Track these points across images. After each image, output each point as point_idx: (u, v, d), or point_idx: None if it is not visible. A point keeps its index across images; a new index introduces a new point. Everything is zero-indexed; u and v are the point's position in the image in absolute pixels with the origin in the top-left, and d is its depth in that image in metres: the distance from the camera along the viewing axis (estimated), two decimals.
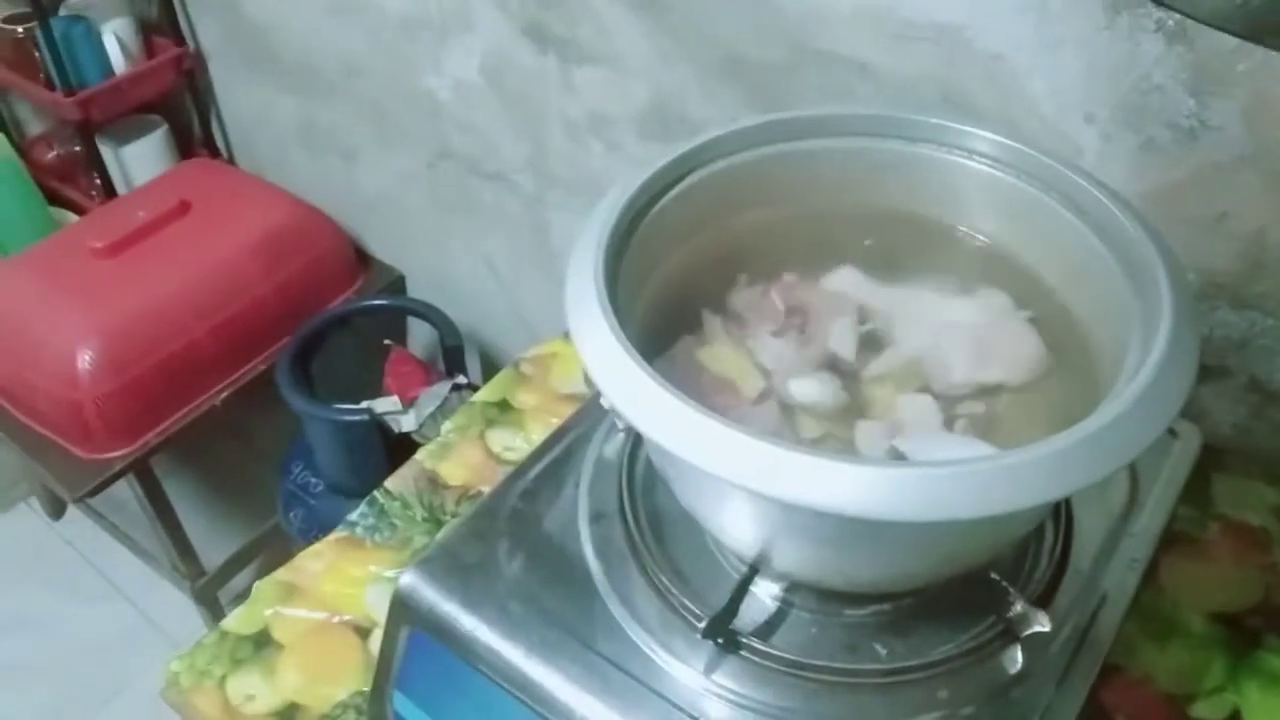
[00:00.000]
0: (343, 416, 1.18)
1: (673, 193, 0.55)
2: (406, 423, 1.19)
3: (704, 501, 0.48)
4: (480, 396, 0.81)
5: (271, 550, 1.64)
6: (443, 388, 1.21)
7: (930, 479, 0.38)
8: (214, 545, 1.54)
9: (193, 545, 1.47)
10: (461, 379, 1.23)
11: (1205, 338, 0.73)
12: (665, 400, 0.41)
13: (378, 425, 1.19)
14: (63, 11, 1.38)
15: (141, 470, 1.27)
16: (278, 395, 1.64)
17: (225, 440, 1.78)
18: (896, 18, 0.76)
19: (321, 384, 1.28)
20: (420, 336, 1.44)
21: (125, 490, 1.46)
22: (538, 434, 0.76)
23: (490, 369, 1.42)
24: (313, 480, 1.31)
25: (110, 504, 1.62)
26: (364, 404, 1.18)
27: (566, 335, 0.86)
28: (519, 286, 1.30)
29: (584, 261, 0.48)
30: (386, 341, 1.31)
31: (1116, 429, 0.39)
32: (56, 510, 1.85)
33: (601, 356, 0.44)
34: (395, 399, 1.19)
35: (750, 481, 0.39)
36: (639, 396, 0.42)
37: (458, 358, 1.28)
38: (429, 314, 1.30)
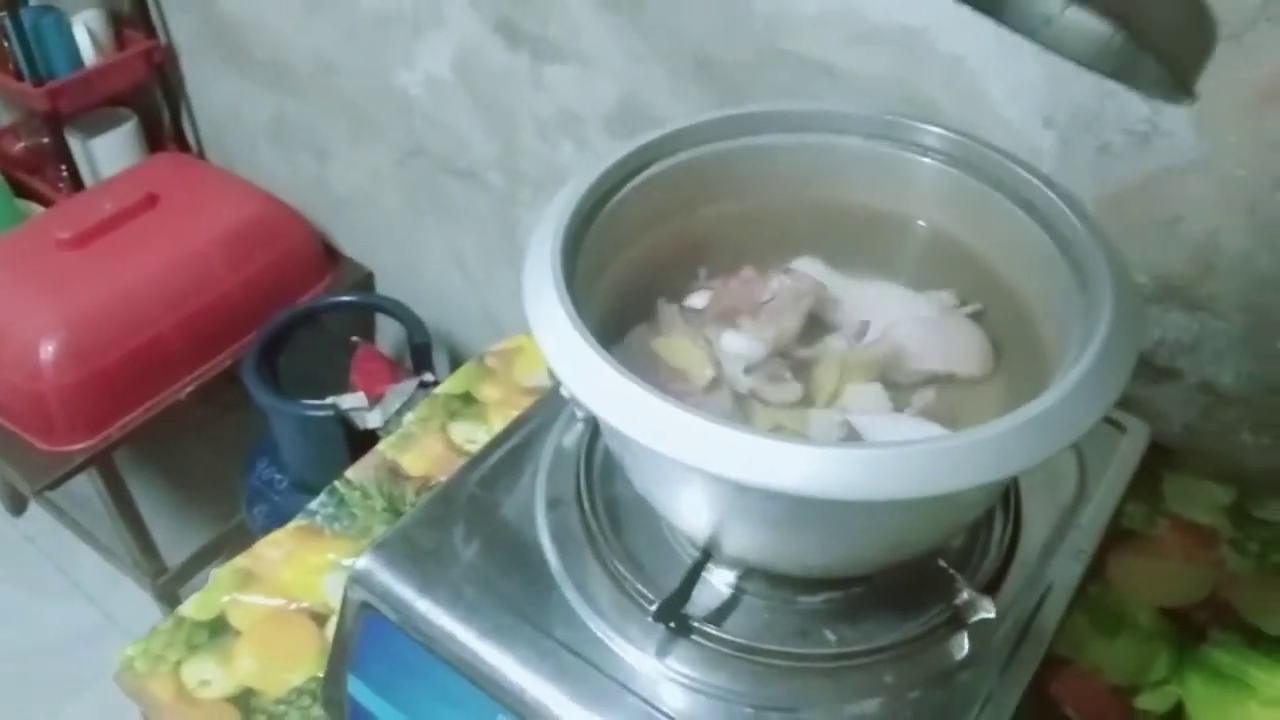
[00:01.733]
0: (308, 412, 1.17)
1: (633, 183, 0.55)
2: (372, 419, 1.19)
3: (659, 487, 0.49)
4: (443, 389, 0.81)
5: (234, 547, 1.62)
6: (409, 385, 1.21)
7: (878, 459, 0.38)
8: (177, 542, 1.53)
9: (154, 542, 1.46)
10: (429, 376, 1.23)
11: (1158, 339, 0.74)
12: (622, 385, 0.42)
13: (343, 421, 1.19)
14: (33, 2, 1.38)
15: (103, 464, 1.26)
16: (242, 393, 1.63)
17: (189, 438, 1.77)
18: (861, 19, 0.77)
19: (288, 380, 1.28)
20: (388, 334, 1.44)
21: (87, 486, 1.45)
22: (500, 427, 0.76)
23: (458, 367, 1.41)
24: (277, 477, 1.30)
25: (71, 500, 1.60)
26: (330, 399, 1.18)
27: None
28: (488, 284, 1.30)
29: (542, 249, 0.49)
30: (354, 338, 1.31)
31: (1058, 412, 0.40)
32: (17, 507, 1.82)
33: (558, 342, 0.44)
34: (361, 395, 1.19)
35: (705, 464, 0.39)
36: (595, 382, 0.42)
37: (425, 355, 1.28)
38: (397, 311, 1.30)
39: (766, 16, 0.82)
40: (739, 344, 0.54)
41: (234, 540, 1.64)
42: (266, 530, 0.72)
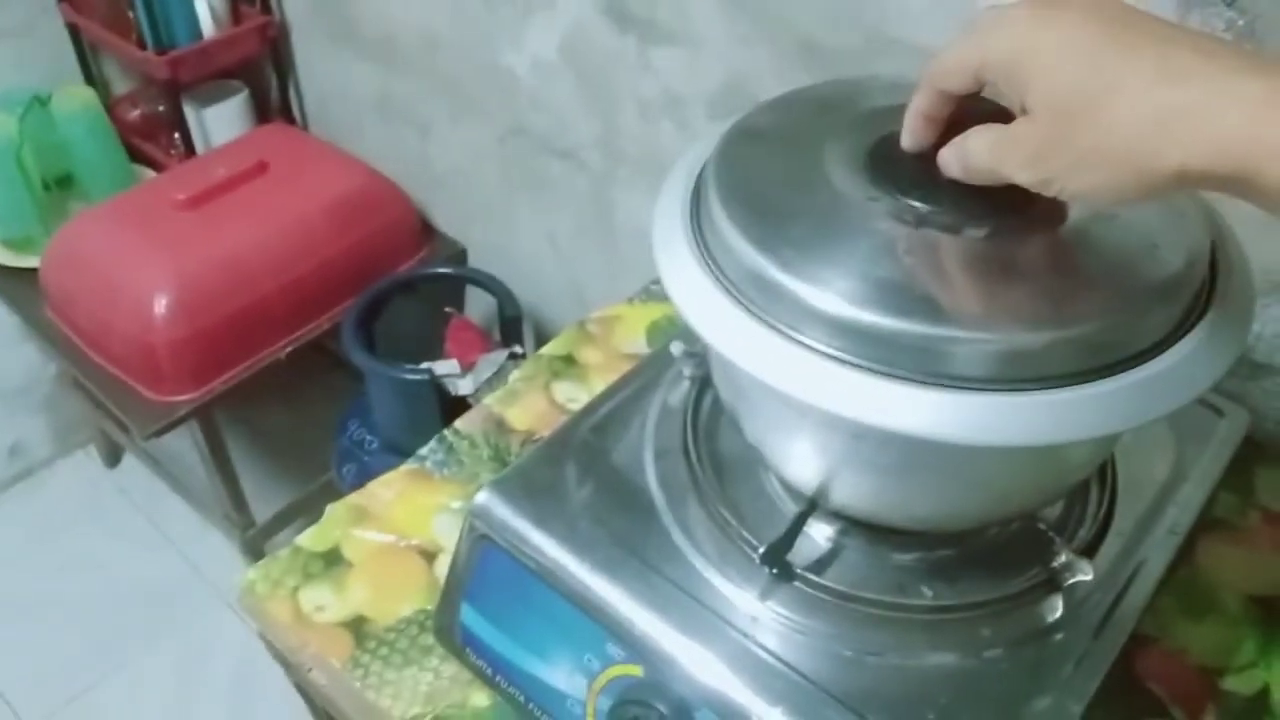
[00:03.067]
0: (404, 375, 1.22)
1: None
2: (464, 386, 1.23)
3: (773, 432, 0.51)
4: (547, 350, 0.84)
5: (321, 508, 1.70)
6: (500, 355, 1.25)
7: (998, 405, 0.40)
8: (263, 501, 1.59)
9: (245, 496, 1.52)
10: (518, 349, 1.27)
11: (1255, 334, 0.75)
12: (748, 325, 0.44)
13: (436, 386, 1.23)
14: None
15: (205, 416, 1.32)
16: (327, 362, 1.69)
17: (277, 402, 1.84)
18: (975, 9, 0.78)
19: (382, 345, 1.33)
20: (478, 308, 1.48)
21: (182, 441, 1.52)
22: (601, 388, 0.79)
23: (543, 344, 1.45)
24: (368, 438, 1.35)
25: (166, 454, 1.68)
26: (424, 365, 1.22)
27: (630, 301, 0.90)
28: (578, 262, 1.33)
29: (672, 200, 0.51)
30: (448, 309, 1.35)
31: (1172, 374, 0.42)
32: (112, 459, 1.91)
33: (688, 284, 0.47)
34: (455, 363, 1.23)
35: (828, 402, 0.42)
36: (723, 322, 0.45)
37: (515, 329, 1.32)
38: (491, 285, 1.34)
39: (878, 3, 0.84)
40: None
41: (318, 502, 1.70)
42: (355, 488, 0.75)
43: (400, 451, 1.18)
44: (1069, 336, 0.41)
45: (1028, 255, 0.45)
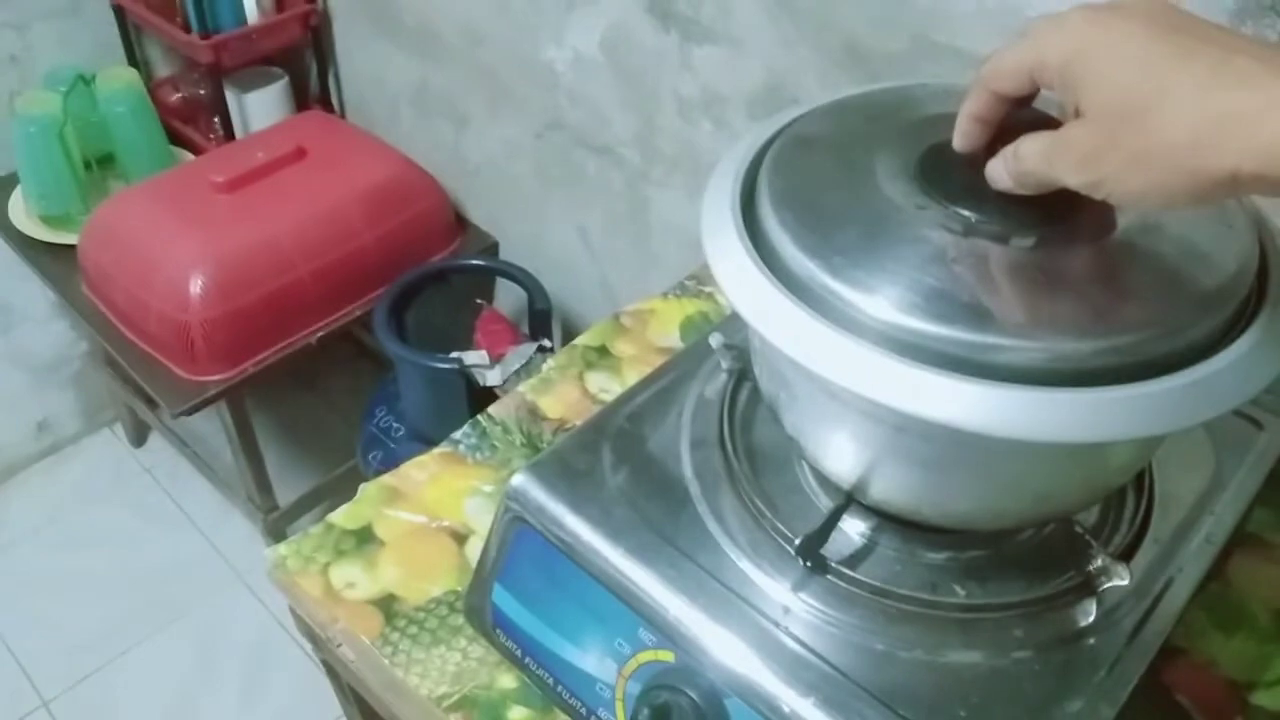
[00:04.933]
0: (434, 363, 1.23)
1: None
2: (492, 377, 1.24)
3: (814, 423, 0.52)
4: (581, 341, 0.85)
5: (343, 494, 1.71)
6: (529, 348, 1.25)
7: (1043, 401, 0.41)
8: (286, 485, 1.61)
9: (269, 479, 1.53)
10: (546, 342, 1.27)
11: None
12: (796, 314, 0.44)
13: (464, 376, 1.24)
14: None
15: (235, 397, 1.34)
16: (354, 351, 1.70)
17: (303, 389, 1.86)
18: (1019, 15, 0.78)
19: (412, 334, 1.34)
20: (508, 301, 1.49)
21: (207, 424, 1.54)
22: (633, 380, 0.80)
23: (571, 339, 1.46)
24: (395, 425, 1.36)
25: (192, 435, 1.69)
26: (454, 355, 1.23)
27: (664, 295, 0.90)
28: (609, 259, 1.34)
29: (721, 192, 0.52)
30: (479, 301, 1.36)
31: (1219, 378, 0.41)
32: (139, 438, 1.93)
33: (738, 273, 0.47)
34: (484, 353, 1.24)
35: (878, 394, 0.42)
36: (772, 308, 0.45)
37: (545, 322, 1.32)
38: (522, 278, 1.35)
39: (923, 8, 0.84)
40: None
41: (342, 488, 1.71)
42: (379, 475, 0.76)
43: (426, 440, 1.20)
44: (1114, 345, 0.42)
45: (1075, 265, 0.45)
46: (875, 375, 0.42)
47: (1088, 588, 0.53)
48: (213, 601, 1.68)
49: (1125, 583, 0.51)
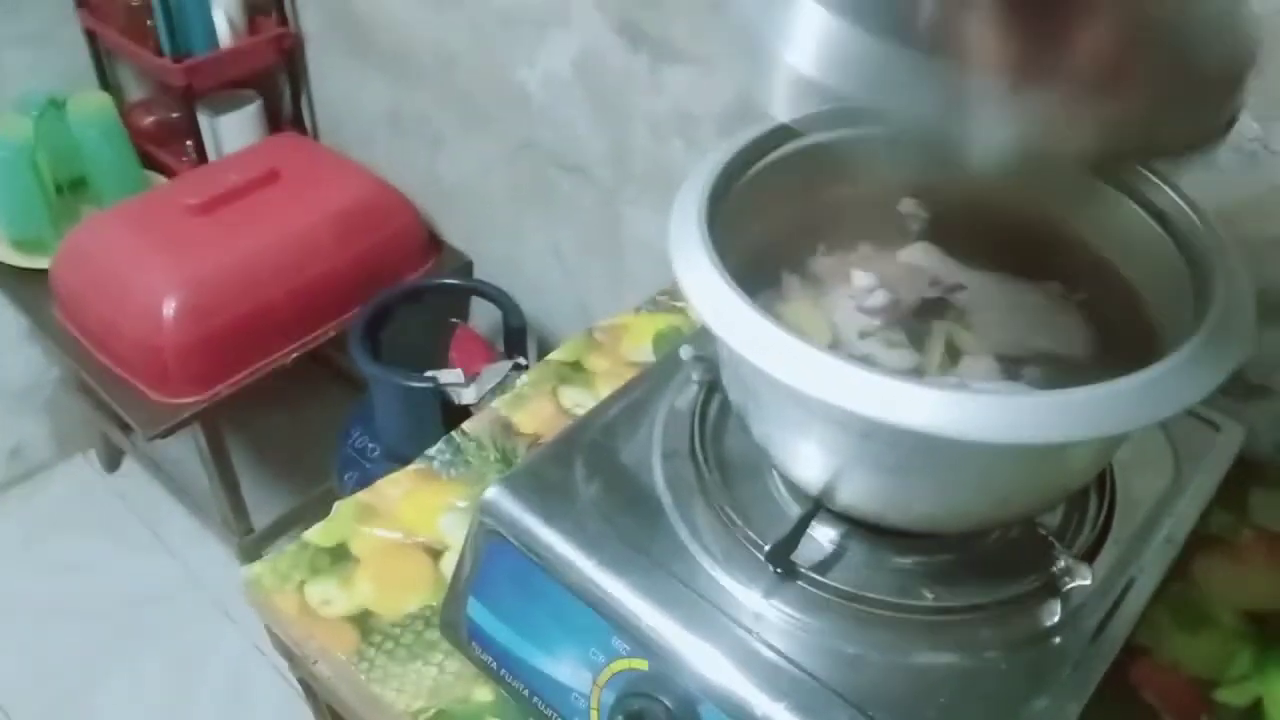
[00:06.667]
0: (409, 382, 1.23)
1: (759, 164, 0.59)
2: (467, 395, 1.24)
3: (782, 430, 0.53)
4: (555, 356, 0.86)
5: (319, 516, 1.71)
6: (504, 366, 1.26)
7: (1005, 404, 0.42)
8: (261, 508, 1.60)
9: (245, 502, 1.52)
10: (521, 360, 1.28)
11: (1252, 356, 0.76)
12: (762, 325, 0.45)
13: (439, 395, 1.24)
14: None
15: (209, 419, 1.33)
16: (328, 374, 1.69)
17: (277, 412, 1.85)
18: None
19: (387, 354, 1.34)
20: (482, 319, 1.49)
21: (180, 448, 1.53)
22: (605, 394, 0.81)
23: (545, 355, 1.47)
24: (370, 445, 1.36)
25: (166, 459, 1.68)
26: (429, 373, 1.23)
27: (637, 310, 0.91)
28: (583, 277, 1.35)
29: (688, 207, 0.53)
30: (453, 319, 1.36)
31: (1176, 376, 0.43)
32: (112, 463, 1.91)
33: (704, 286, 0.48)
34: (459, 372, 1.24)
35: (842, 400, 0.43)
36: (738, 322, 0.46)
37: (520, 340, 1.33)
38: (497, 296, 1.36)
39: None
40: (857, 316, 0.57)
41: (317, 511, 1.70)
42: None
43: (402, 459, 1.20)
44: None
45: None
46: (840, 383, 0.43)
47: (1052, 588, 0.54)
48: (189, 627, 1.66)
49: (1088, 583, 0.52)
